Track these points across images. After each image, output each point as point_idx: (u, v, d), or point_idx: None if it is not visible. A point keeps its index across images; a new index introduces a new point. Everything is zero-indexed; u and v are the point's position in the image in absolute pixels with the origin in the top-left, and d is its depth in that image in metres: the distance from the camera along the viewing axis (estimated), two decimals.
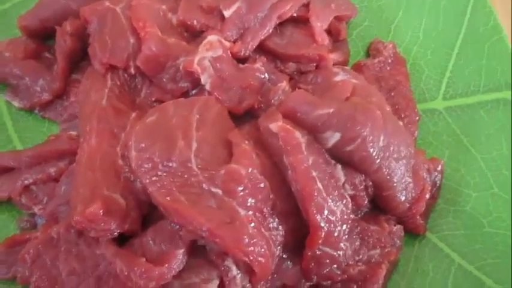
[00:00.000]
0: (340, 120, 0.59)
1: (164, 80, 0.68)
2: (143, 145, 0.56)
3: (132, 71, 0.69)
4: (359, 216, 0.65)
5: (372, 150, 0.60)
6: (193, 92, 0.68)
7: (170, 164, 0.54)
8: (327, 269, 0.59)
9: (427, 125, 0.77)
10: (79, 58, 0.77)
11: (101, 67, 0.69)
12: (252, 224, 0.50)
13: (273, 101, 0.67)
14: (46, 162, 0.67)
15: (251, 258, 0.49)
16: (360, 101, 0.62)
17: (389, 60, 0.80)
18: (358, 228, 0.64)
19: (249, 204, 0.51)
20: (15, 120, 0.75)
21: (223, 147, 0.57)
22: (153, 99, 0.70)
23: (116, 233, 0.53)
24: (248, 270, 0.52)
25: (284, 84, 0.68)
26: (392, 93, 0.77)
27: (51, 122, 0.75)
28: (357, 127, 0.59)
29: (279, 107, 0.65)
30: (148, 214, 0.57)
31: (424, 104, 0.79)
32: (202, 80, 0.64)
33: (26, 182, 0.66)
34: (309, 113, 0.59)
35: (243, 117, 0.66)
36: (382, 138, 0.60)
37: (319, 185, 0.56)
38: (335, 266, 0.59)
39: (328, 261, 0.58)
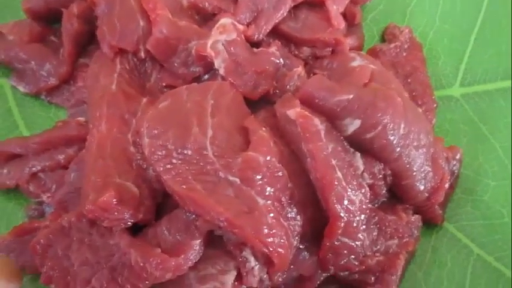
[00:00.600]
0: (360, 106, 0.57)
1: (175, 64, 0.66)
2: (156, 131, 0.54)
3: (142, 55, 0.67)
4: (376, 205, 0.64)
5: (392, 138, 0.58)
6: (205, 77, 0.66)
7: (185, 151, 0.52)
8: (345, 260, 0.57)
9: (444, 113, 0.75)
10: (86, 41, 0.74)
11: (109, 51, 0.67)
12: (271, 214, 0.49)
13: (288, 86, 0.64)
14: (54, 149, 0.65)
15: (271, 249, 0.47)
16: (380, 87, 0.60)
17: (406, 46, 0.78)
18: (376, 218, 0.62)
19: (267, 193, 0.50)
20: (21, 105, 0.73)
21: (239, 134, 0.55)
22: (164, 84, 0.67)
23: (129, 223, 0.51)
24: (266, 261, 0.50)
25: (300, 69, 0.66)
26: (409, 80, 0.75)
27: (58, 108, 0.73)
28: (378, 114, 0.57)
29: (295, 93, 0.63)
30: (162, 203, 0.55)
31: (441, 91, 0.77)
32: (216, 64, 0.62)
33: (34, 169, 0.64)
34: (327, 99, 0.57)
35: (257, 103, 0.64)
36: (402, 125, 0.58)
37: (339, 173, 0.54)
38: (353, 256, 0.58)
39: (346, 251, 0.57)
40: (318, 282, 0.59)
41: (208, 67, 0.65)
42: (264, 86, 0.62)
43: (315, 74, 0.69)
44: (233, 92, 0.59)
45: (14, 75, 0.74)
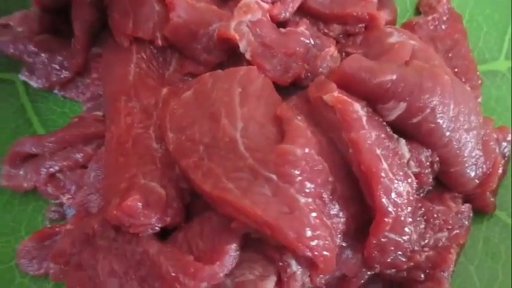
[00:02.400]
0: (405, 88, 0.51)
1: (196, 50, 0.61)
2: (181, 125, 0.50)
3: (160, 42, 0.61)
4: (421, 195, 0.58)
5: (441, 121, 0.52)
6: (230, 63, 0.61)
7: (214, 146, 0.47)
8: (392, 257, 0.52)
9: (489, 89, 0.69)
10: (98, 30, 0.69)
11: (124, 40, 0.62)
12: (314, 213, 0.44)
13: (320, 69, 0.59)
14: (72, 147, 0.60)
15: (315, 253, 0.42)
16: (424, 65, 0.54)
17: (444, 18, 0.71)
18: (422, 209, 0.56)
19: (307, 190, 0.45)
20: (34, 101, 0.69)
21: (272, 125, 0.49)
22: (185, 72, 0.62)
23: (157, 228, 0.47)
24: (309, 265, 0.45)
25: (332, 49, 0.60)
26: (450, 55, 0.68)
27: (73, 102, 0.69)
28: (425, 95, 0.51)
29: (329, 76, 0.57)
30: (190, 204, 0.51)
31: (484, 66, 0.70)
32: (241, 48, 0.56)
33: (52, 169, 0.60)
34: (367, 82, 0.51)
35: (287, 89, 0.58)
36: (452, 107, 0.52)
37: (384, 164, 0.49)
38: (400, 252, 0.53)
39: (392, 248, 0.52)
40: (362, 281, 0.55)
41: (232, 52, 0.59)
42: (295, 70, 0.57)
43: (347, 53, 0.63)
44: (262, 77, 0.53)
45: (25, 69, 0.70)
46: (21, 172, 0.61)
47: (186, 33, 0.59)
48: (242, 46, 0.56)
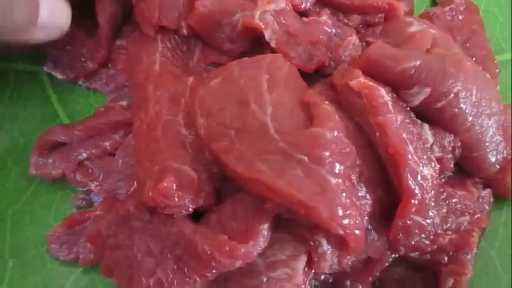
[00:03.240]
0: (429, 74, 0.52)
1: (220, 40, 0.62)
2: (211, 111, 0.51)
3: (185, 31, 0.63)
4: (442, 181, 0.59)
5: (464, 106, 0.53)
6: (253, 52, 0.62)
7: (244, 131, 0.49)
8: (416, 240, 0.53)
9: (506, 78, 0.70)
10: (121, 23, 0.71)
11: (150, 29, 0.63)
12: (344, 194, 0.45)
13: (343, 57, 0.60)
14: (99, 136, 0.62)
15: (347, 231, 0.43)
16: (446, 52, 0.55)
17: (461, 8, 0.72)
18: (444, 194, 0.57)
19: (337, 171, 0.46)
20: (59, 93, 0.70)
21: (300, 109, 0.51)
22: (208, 62, 0.64)
23: (190, 209, 0.48)
24: (339, 244, 0.46)
25: (354, 38, 0.61)
26: (468, 45, 0.70)
27: (97, 93, 0.70)
28: (449, 81, 0.52)
29: (351, 64, 0.58)
30: (220, 187, 0.52)
31: (501, 56, 0.71)
32: (266, 37, 0.58)
33: (80, 157, 0.61)
34: (392, 68, 0.53)
35: (310, 76, 0.60)
36: (474, 92, 0.54)
37: (410, 147, 0.50)
38: (423, 235, 0.54)
39: (417, 231, 0.53)
40: (387, 263, 0.56)
41: (256, 41, 0.61)
42: (319, 57, 0.58)
43: (368, 43, 0.64)
44: (288, 64, 0.55)
45: (49, 61, 0.71)
46: (49, 161, 0.63)
47: (210, 22, 0.61)
48: (267, 35, 0.58)
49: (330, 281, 0.57)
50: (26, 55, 0.72)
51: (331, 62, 0.60)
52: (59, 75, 0.70)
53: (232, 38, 0.62)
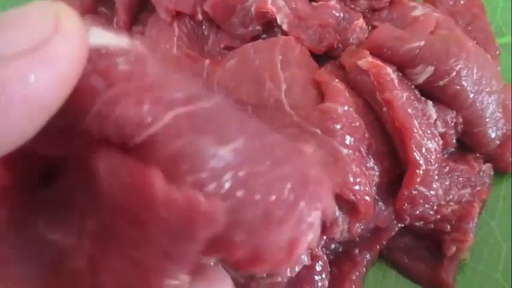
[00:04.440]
0: (432, 53, 0.55)
1: (233, 25, 0.65)
2: (228, 89, 0.54)
3: (200, 17, 0.66)
4: (445, 156, 0.63)
5: (466, 83, 0.56)
6: (264, 36, 0.65)
7: (261, 106, 0.52)
8: (420, 209, 0.57)
9: (506, 60, 0.73)
10: (138, 9, 0.74)
11: (167, 15, 0.66)
12: (354, 163, 0.48)
13: (351, 40, 0.63)
14: None
15: (358, 196, 0.47)
16: (449, 34, 0.59)
17: None
18: (447, 168, 0.61)
19: (348, 142, 0.49)
20: None
21: (312, 87, 0.54)
22: (222, 46, 0.67)
23: None
24: (349, 211, 0.50)
25: (361, 22, 0.64)
26: (469, 28, 0.73)
27: None
28: (451, 59, 0.55)
29: (359, 46, 0.62)
30: None
31: (501, 39, 0.75)
32: (279, 20, 0.61)
33: None
34: (397, 48, 0.56)
35: (320, 58, 0.63)
36: (475, 70, 0.57)
37: (415, 122, 0.53)
38: (428, 206, 0.57)
39: (421, 201, 0.56)
40: (393, 233, 0.60)
41: (268, 25, 0.64)
42: (329, 40, 0.61)
43: (374, 26, 0.67)
44: (300, 46, 0.58)
45: None
46: None
47: (224, 7, 0.64)
48: (279, 18, 0.61)
49: (340, 250, 0.61)
50: None
51: (340, 45, 0.63)
52: None
53: (245, 23, 0.65)
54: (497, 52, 0.71)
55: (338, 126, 0.49)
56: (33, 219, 0.28)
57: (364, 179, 0.48)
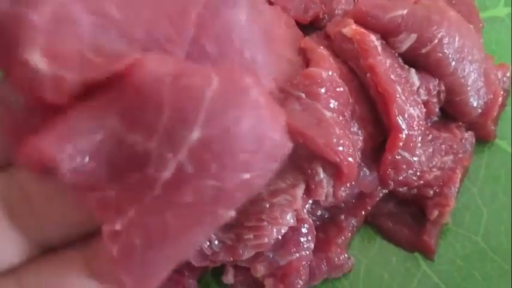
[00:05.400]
0: (415, 21, 0.57)
1: None
2: None
3: None
4: (429, 124, 0.64)
5: (447, 51, 0.58)
6: None
7: None
8: (404, 175, 0.58)
9: (490, 33, 0.74)
10: None
11: None
12: (338, 126, 0.50)
13: (336, 10, 0.64)
14: None
15: (341, 157, 0.48)
16: (431, 3, 0.60)
17: None
18: (430, 136, 0.63)
19: (332, 106, 0.51)
20: None
21: (297, 55, 0.55)
22: None
23: None
24: (334, 174, 0.51)
25: None
26: (454, 1, 0.74)
27: None
28: (433, 27, 0.56)
29: (345, 16, 0.63)
30: None
31: (485, 12, 0.76)
32: None
33: None
34: (381, 17, 0.57)
35: (306, 29, 0.64)
36: (457, 38, 0.58)
37: (398, 87, 0.55)
38: (411, 172, 0.59)
39: (404, 166, 0.58)
40: (377, 199, 0.61)
41: None
42: (314, 9, 0.62)
43: None
44: (285, 15, 0.59)
45: None
46: None
47: None
48: None
49: (326, 216, 0.62)
50: None
51: (325, 16, 0.64)
52: None
53: None
54: (481, 25, 0.73)
55: (322, 90, 0.50)
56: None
57: (347, 141, 0.50)
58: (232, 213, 0.33)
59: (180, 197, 0.29)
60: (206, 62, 0.37)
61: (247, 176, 0.31)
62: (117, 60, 0.30)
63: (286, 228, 0.51)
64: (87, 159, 0.30)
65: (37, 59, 0.29)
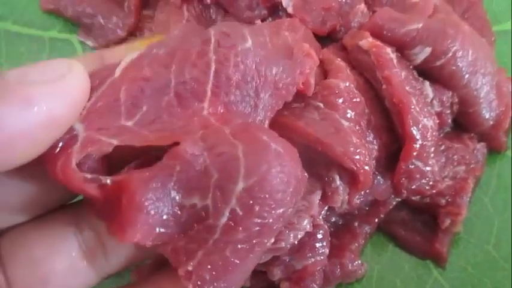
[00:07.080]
0: (430, 35, 0.58)
1: (240, 8, 0.68)
2: None
3: (208, 0, 0.69)
4: (441, 135, 0.66)
5: (461, 64, 0.59)
6: (270, 19, 0.69)
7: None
8: (417, 184, 0.60)
9: (501, 46, 0.76)
10: None
11: None
12: (355, 135, 0.51)
13: (352, 23, 0.66)
14: None
15: (358, 165, 0.50)
16: (446, 17, 0.62)
17: None
18: (443, 146, 0.64)
19: (349, 115, 0.52)
20: None
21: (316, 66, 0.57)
22: None
23: None
24: (350, 181, 0.53)
25: (362, 6, 0.67)
26: (466, 16, 0.76)
27: None
28: (448, 41, 0.58)
29: (360, 28, 0.65)
30: None
31: (497, 26, 0.78)
32: (284, 3, 0.64)
33: None
34: (396, 30, 0.59)
35: (323, 40, 0.66)
36: (470, 52, 0.60)
37: (413, 99, 0.57)
38: (424, 181, 0.60)
39: (418, 176, 0.59)
40: (391, 207, 0.63)
41: (273, 9, 0.67)
42: (332, 22, 0.64)
43: (374, 11, 0.70)
44: (304, 27, 0.61)
45: (82, 30, 0.78)
46: None
47: None
48: (285, 1, 0.64)
49: (340, 223, 0.64)
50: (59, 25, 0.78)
51: (342, 28, 0.66)
52: (90, 43, 0.77)
53: (251, 6, 0.68)
54: (493, 38, 0.74)
55: (340, 101, 0.52)
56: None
57: (364, 150, 0.51)
58: (272, 240, 0.39)
59: (235, 235, 0.36)
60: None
61: (282, 210, 0.37)
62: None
63: (303, 233, 0.53)
64: (162, 230, 0.37)
65: None
